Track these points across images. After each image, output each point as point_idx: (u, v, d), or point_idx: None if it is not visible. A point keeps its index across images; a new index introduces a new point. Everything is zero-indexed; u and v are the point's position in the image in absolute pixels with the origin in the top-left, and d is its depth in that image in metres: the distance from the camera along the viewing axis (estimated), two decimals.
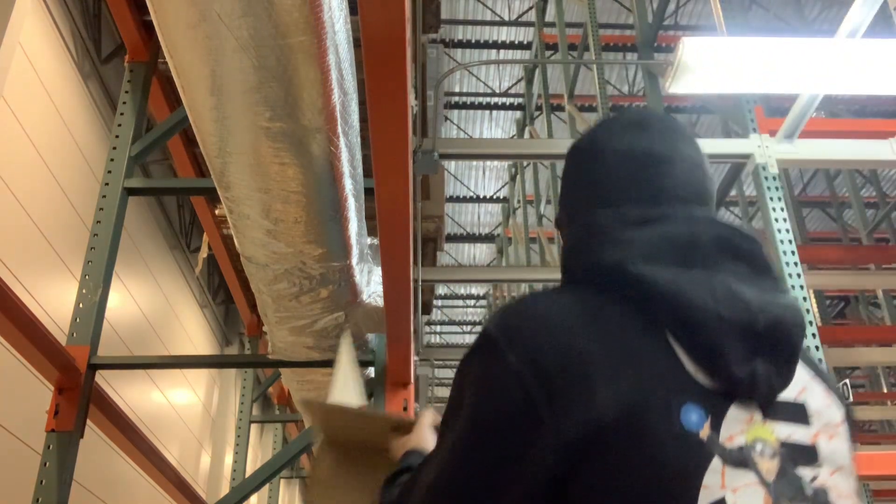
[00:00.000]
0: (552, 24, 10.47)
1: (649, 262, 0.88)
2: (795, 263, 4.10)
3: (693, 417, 0.79)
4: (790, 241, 4.17)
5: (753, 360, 0.84)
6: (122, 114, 3.90)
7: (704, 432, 0.79)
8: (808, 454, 0.85)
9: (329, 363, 3.89)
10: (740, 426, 0.82)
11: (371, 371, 4.19)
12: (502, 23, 11.66)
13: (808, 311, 3.99)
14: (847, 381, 3.79)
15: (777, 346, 0.86)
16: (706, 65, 3.78)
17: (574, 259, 0.97)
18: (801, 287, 4.04)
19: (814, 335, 3.91)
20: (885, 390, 11.54)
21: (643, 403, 0.78)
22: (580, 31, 9.64)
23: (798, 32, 9.77)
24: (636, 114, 1.10)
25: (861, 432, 12.52)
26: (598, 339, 0.82)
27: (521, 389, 0.80)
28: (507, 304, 0.91)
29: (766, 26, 10.68)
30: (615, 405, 0.77)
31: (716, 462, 0.78)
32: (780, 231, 4.19)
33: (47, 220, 5.14)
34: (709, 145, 5.00)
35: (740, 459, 0.80)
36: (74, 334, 3.41)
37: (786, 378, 0.87)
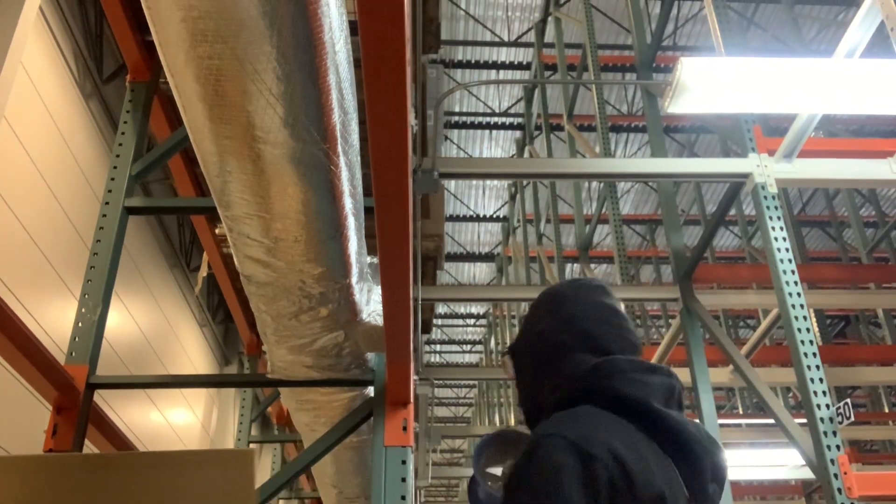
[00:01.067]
0: (551, 45, 10.54)
1: (660, 403, 1.27)
2: (795, 283, 4.09)
3: None
4: (790, 261, 4.17)
5: (713, 483, 1.27)
6: (123, 133, 3.92)
7: None
8: None
9: (328, 383, 3.87)
10: None
11: (370, 390, 4.18)
12: (502, 43, 11.73)
13: (808, 329, 3.98)
14: (848, 400, 3.78)
15: (719, 476, 1.28)
16: (705, 85, 3.79)
17: (593, 388, 1.30)
18: (802, 306, 4.03)
19: (815, 354, 3.90)
20: (887, 410, 11.50)
21: (671, 494, 1.17)
22: (579, 51, 9.70)
23: (796, 53, 9.83)
24: (592, 280, 1.55)
25: (863, 452, 12.46)
26: (640, 446, 1.19)
27: (606, 474, 1.12)
28: (564, 418, 1.25)
29: (765, 47, 10.75)
30: (662, 488, 1.15)
31: None
32: (779, 250, 4.19)
33: (47, 240, 5.15)
34: (708, 165, 5.02)
35: None
36: (73, 353, 3.40)
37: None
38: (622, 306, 1.50)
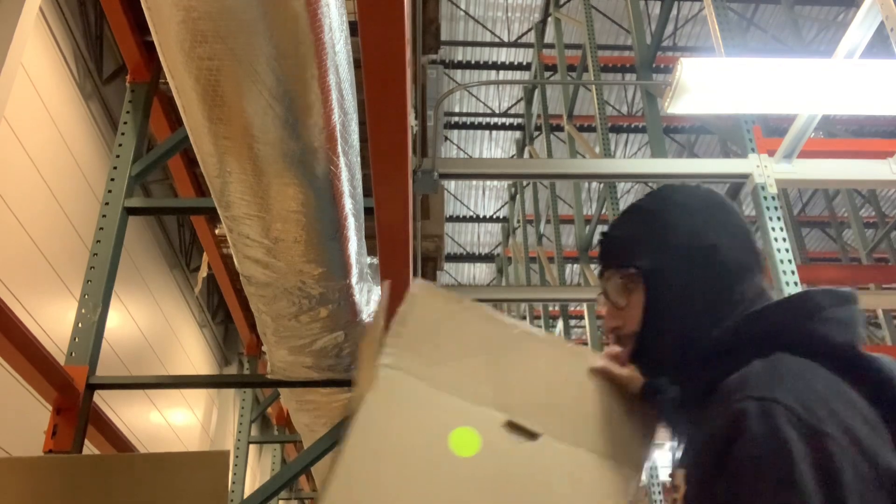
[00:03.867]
0: (551, 46, 10.54)
1: (861, 344, 1.02)
2: (795, 283, 4.09)
3: None
4: (790, 261, 4.17)
5: None
6: (122, 134, 3.92)
7: None
8: None
9: (328, 383, 3.87)
10: None
11: None
12: (502, 44, 11.73)
13: None
14: None
15: None
16: (704, 85, 3.79)
17: (785, 330, 1.02)
18: None
19: None
20: None
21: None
22: (579, 52, 9.70)
23: (796, 53, 9.83)
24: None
25: None
26: (862, 409, 0.92)
27: (845, 458, 0.86)
28: (772, 375, 0.94)
29: (764, 47, 10.75)
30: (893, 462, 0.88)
31: None
32: (779, 251, 4.19)
33: (47, 240, 5.15)
34: (708, 165, 5.02)
35: None
36: (73, 354, 3.40)
37: None
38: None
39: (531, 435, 1.09)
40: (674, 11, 10.29)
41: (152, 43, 2.41)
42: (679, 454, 1.09)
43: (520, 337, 1.19)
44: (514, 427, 1.09)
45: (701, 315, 1.09)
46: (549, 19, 10.74)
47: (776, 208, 4.36)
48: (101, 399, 3.56)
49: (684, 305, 1.11)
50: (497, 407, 1.10)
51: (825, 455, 0.84)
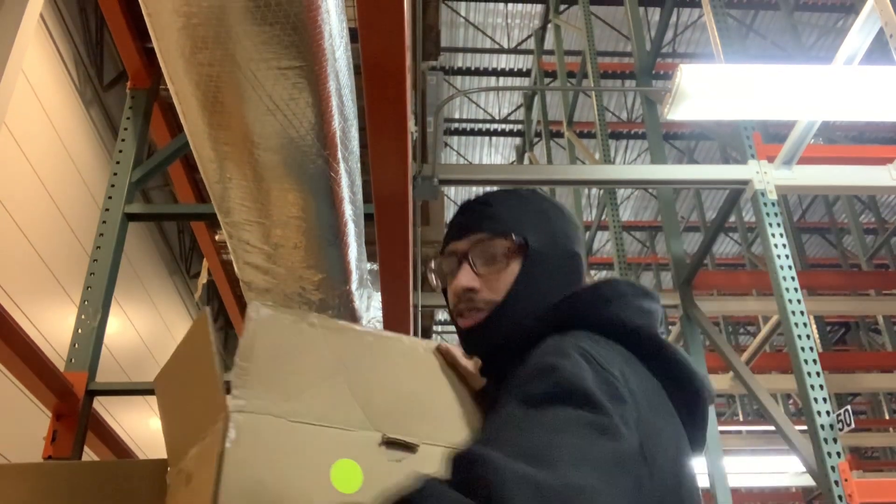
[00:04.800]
0: (551, 52, 10.56)
1: (660, 333, 1.07)
2: (795, 289, 4.09)
3: (694, 469, 1.00)
4: (790, 267, 4.17)
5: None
6: (123, 140, 3.92)
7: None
8: None
9: None
10: None
11: None
12: (501, 51, 11.75)
13: (808, 336, 3.98)
14: (848, 407, 3.77)
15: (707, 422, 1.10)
16: (704, 91, 3.80)
17: (589, 313, 1.06)
18: (802, 313, 4.03)
19: (815, 361, 3.89)
20: (887, 416, 11.49)
21: (682, 445, 0.99)
22: (579, 58, 9.71)
23: (795, 60, 9.84)
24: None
25: (863, 459, 12.44)
26: (653, 385, 1.00)
27: (628, 395, 0.90)
28: (568, 340, 0.98)
29: (764, 54, 10.76)
30: (673, 438, 0.96)
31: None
32: (779, 257, 4.19)
33: (48, 246, 5.14)
34: (707, 171, 5.02)
35: None
36: (73, 360, 3.39)
37: None
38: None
39: (409, 448, 1.04)
40: (673, 18, 10.31)
41: (153, 49, 2.42)
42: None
43: (373, 344, 1.12)
44: (391, 444, 1.03)
45: (545, 297, 1.13)
46: (549, 26, 10.76)
47: (776, 214, 4.36)
48: (101, 405, 3.56)
49: (548, 291, 1.14)
50: (368, 427, 1.03)
51: (609, 384, 0.89)
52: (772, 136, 7.48)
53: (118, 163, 3.85)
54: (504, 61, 12.03)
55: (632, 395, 0.90)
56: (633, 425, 0.86)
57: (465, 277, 1.15)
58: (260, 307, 1.04)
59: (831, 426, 3.71)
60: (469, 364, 1.18)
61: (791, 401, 11.88)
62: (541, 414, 0.83)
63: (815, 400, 3.77)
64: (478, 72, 12.06)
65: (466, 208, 1.23)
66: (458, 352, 1.18)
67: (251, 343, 1.01)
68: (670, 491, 0.90)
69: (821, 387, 3.82)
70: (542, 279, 1.14)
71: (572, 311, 1.07)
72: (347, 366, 1.06)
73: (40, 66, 5.02)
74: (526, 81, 12.14)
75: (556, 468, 0.75)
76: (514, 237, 1.15)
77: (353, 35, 1.96)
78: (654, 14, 10.28)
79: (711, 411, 5.33)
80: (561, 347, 0.94)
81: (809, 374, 3.85)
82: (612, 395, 0.86)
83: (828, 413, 3.75)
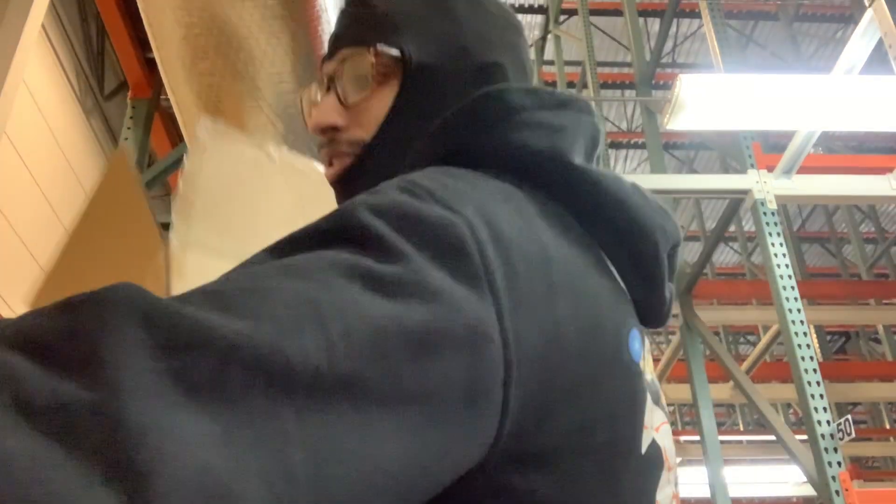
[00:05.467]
0: (551, 63, 10.58)
1: (581, 158, 0.66)
2: (796, 299, 4.09)
3: (636, 345, 0.61)
4: (790, 277, 4.17)
5: (668, 284, 0.70)
6: None
7: (642, 363, 0.62)
8: (657, 392, 0.69)
9: None
10: (647, 357, 0.66)
11: None
12: None
13: (808, 346, 3.97)
14: (849, 416, 3.77)
15: (672, 271, 0.71)
16: (703, 101, 3.81)
17: (472, 134, 0.67)
18: (802, 322, 4.03)
19: (815, 370, 3.89)
20: (888, 426, 11.47)
21: (598, 323, 0.57)
22: (579, 69, 9.74)
23: (794, 70, 9.87)
24: None
25: (864, 469, 12.42)
26: (546, 236, 0.58)
27: (475, 245, 0.50)
28: (393, 182, 0.56)
29: (764, 64, 10.79)
30: (573, 322, 0.54)
31: (647, 397, 0.62)
32: (779, 266, 4.20)
33: (47, 256, 5.15)
34: (707, 181, 5.03)
35: (655, 395, 0.66)
36: None
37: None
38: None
39: None
40: (673, 29, 10.34)
41: (153, 59, 2.43)
42: None
43: (281, 170, 0.93)
44: None
45: (430, 117, 0.72)
46: (549, 36, 10.79)
47: (776, 224, 4.37)
48: None
49: (436, 116, 0.71)
50: None
51: (432, 223, 0.50)
52: (771, 146, 7.49)
53: None
54: None
55: (504, 254, 0.51)
56: (487, 301, 0.47)
57: (325, 111, 0.81)
58: (210, 125, 0.84)
59: (832, 436, 3.70)
60: None
61: (791, 410, 11.86)
62: (282, 260, 0.46)
63: (816, 409, 3.77)
64: None
65: (342, 11, 0.86)
66: None
67: (198, 168, 0.82)
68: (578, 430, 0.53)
69: (821, 396, 3.81)
70: (427, 104, 0.76)
71: (441, 139, 0.68)
72: (307, 213, 0.86)
73: (41, 76, 5.04)
74: None
75: (260, 319, 0.39)
76: (383, 48, 0.78)
77: None
78: (654, 24, 10.31)
79: (708, 407, 5.32)
80: (381, 186, 0.55)
81: (810, 383, 3.84)
82: (437, 243, 0.48)
83: (828, 422, 3.74)
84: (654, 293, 0.67)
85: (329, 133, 0.80)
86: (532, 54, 10.94)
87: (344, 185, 0.80)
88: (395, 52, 0.78)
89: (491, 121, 0.67)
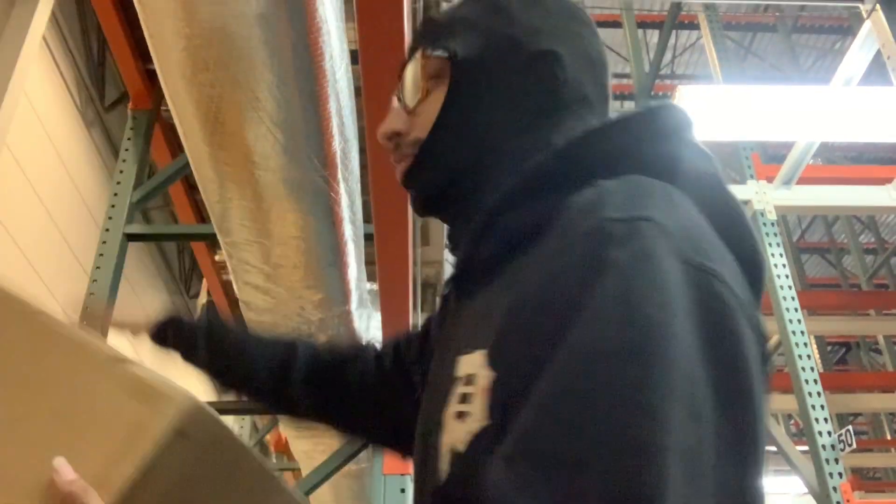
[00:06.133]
0: None
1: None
2: (796, 309, 4.09)
3: None
4: (790, 287, 4.17)
5: None
6: (124, 160, 3.93)
7: None
8: None
9: None
10: None
11: None
12: None
13: (809, 356, 3.97)
14: (850, 427, 3.76)
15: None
16: (702, 112, 3.82)
17: (639, 145, 0.70)
18: (802, 333, 4.02)
19: (816, 381, 3.88)
20: (889, 437, 11.43)
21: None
22: None
23: (793, 82, 9.89)
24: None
25: (865, 480, 12.37)
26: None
27: (738, 306, 0.59)
28: (635, 192, 0.63)
29: (762, 75, 10.82)
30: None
31: None
32: (779, 276, 4.20)
33: (47, 267, 5.14)
34: None
35: None
36: None
37: None
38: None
39: None
40: (672, 40, 10.37)
41: (154, 71, 2.43)
42: (466, 331, 0.73)
43: None
44: None
45: (513, 134, 0.79)
46: None
47: (775, 234, 4.37)
48: None
49: (493, 113, 0.80)
50: None
51: (716, 301, 0.57)
52: (771, 157, 7.50)
53: (119, 183, 3.86)
54: None
55: (732, 275, 0.61)
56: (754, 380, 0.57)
57: (388, 120, 0.87)
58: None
59: (833, 447, 3.69)
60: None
61: (792, 421, 11.82)
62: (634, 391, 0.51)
63: (817, 420, 3.76)
64: None
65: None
66: None
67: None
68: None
69: (822, 407, 3.80)
70: (475, 96, 0.80)
71: (609, 149, 0.70)
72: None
73: (42, 87, 5.05)
74: None
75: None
76: (430, 51, 0.83)
77: (355, 57, 1.97)
78: (653, 36, 10.34)
79: None
80: (631, 231, 0.58)
81: (810, 394, 3.84)
82: (712, 334, 0.56)
83: (829, 433, 3.73)
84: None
85: (394, 139, 0.86)
86: None
87: (407, 184, 0.85)
88: (440, 52, 0.82)
89: (664, 134, 0.71)
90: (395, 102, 0.89)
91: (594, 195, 0.63)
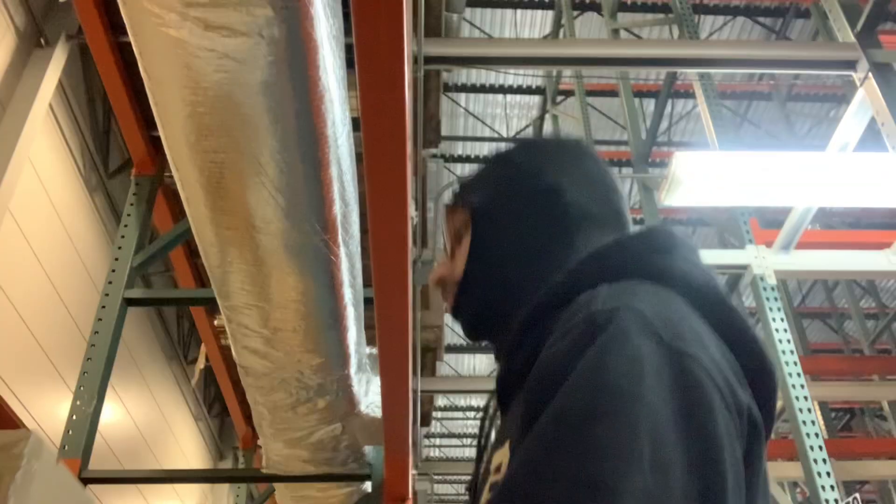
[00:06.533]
0: None
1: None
2: (799, 374, 4.06)
3: None
4: (792, 352, 4.15)
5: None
6: (125, 225, 3.96)
7: None
8: None
9: (325, 477, 3.79)
10: None
11: (368, 485, 4.08)
12: (501, 139, 11.97)
13: (814, 422, 3.92)
14: (857, 495, 3.69)
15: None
16: (699, 178, 3.86)
17: (640, 265, 0.82)
18: (806, 398, 3.98)
19: (821, 448, 3.83)
20: None
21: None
22: None
23: (789, 148, 10.02)
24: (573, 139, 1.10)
25: None
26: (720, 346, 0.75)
27: (714, 385, 0.67)
28: (623, 291, 0.75)
29: (758, 142, 10.96)
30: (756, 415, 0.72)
31: None
32: (781, 341, 4.17)
33: (45, 331, 5.12)
34: (706, 256, 5.04)
35: None
36: (66, 447, 3.34)
37: None
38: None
39: None
40: (668, 109, 10.54)
41: (158, 138, 2.47)
42: (501, 432, 0.86)
43: None
44: None
45: (530, 261, 0.93)
46: (547, 116, 11.00)
47: (776, 299, 4.36)
48: (94, 493, 3.48)
49: (510, 248, 0.96)
50: None
51: (689, 378, 0.65)
52: (769, 222, 7.54)
53: (120, 248, 3.88)
54: None
55: (710, 357, 0.69)
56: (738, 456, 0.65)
57: (436, 268, 1.05)
58: None
59: None
60: None
61: (798, 489, 11.60)
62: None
63: (823, 488, 3.69)
64: (478, 159, 12.26)
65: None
66: None
67: None
68: None
69: (828, 474, 3.74)
70: (490, 237, 0.98)
71: (611, 265, 0.81)
72: None
73: (47, 154, 5.11)
74: None
75: None
76: (456, 208, 1.03)
77: (356, 124, 2.00)
78: (649, 105, 10.52)
79: None
80: (611, 317, 0.69)
81: (816, 461, 3.78)
82: (686, 411, 0.63)
83: (836, 501, 3.66)
84: (770, 425, 0.77)
85: (440, 283, 1.05)
86: (530, 133, 11.14)
87: (454, 317, 1.03)
88: (463, 207, 1.02)
89: (662, 249, 0.84)
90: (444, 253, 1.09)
91: (590, 295, 0.75)
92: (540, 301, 0.83)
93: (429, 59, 3.97)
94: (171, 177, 2.48)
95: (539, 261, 0.93)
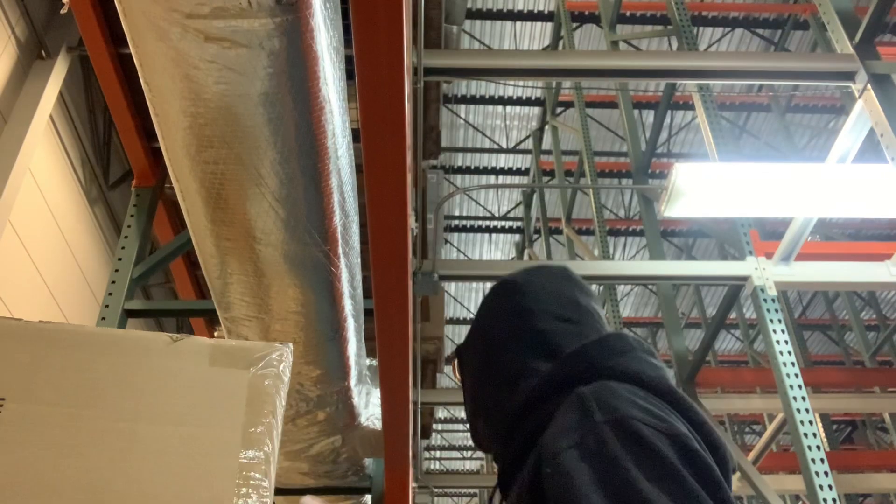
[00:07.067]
0: (549, 152, 10.78)
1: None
2: (800, 386, 4.04)
3: None
4: (793, 364, 4.13)
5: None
6: (126, 237, 3.95)
7: None
8: None
9: (324, 490, 3.77)
10: None
11: (368, 499, 4.06)
12: (501, 150, 11.99)
13: (815, 434, 3.91)
14: None
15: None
16: (699, 189, 3.86)
17: (599, 367, 1.02)
18: (808, 410, 3.97)
19: (823, 460, 3.81)
20: None
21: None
22: (576, 158, 9.90)
23: (788, 159, 10.03)
24: (552, 265, 1.31)
25: None
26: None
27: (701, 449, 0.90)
28: (608, 395, 0.94)
29: (758, 154, 10.98)
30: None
31: None
32: (782, 353, 4.16)
33: None
34: (706, 267, 5.04)
35: None
36: None
37: None
38: (588, 291, 1.23)
39: None
40: (667, 120, 10.57)
41: (159, 149, 2.47)
42: None
43: None
44: None
45: (518, 369, 1.12)
46: (546, 127, 11.03)
47: (776, 311, 4.36)
48: None
49: (494, 370, 1.16)
50: None
51: (679, 438, 0.88)
52: (769, 234, 7.55)
53: (120, 259, 3.87)
54: (503, 160, 12.26)
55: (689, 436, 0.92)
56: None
57: None
58: None
59: None
60: None
61: (800, 502, 11.55)
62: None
63: (825, 501, 3.67)
64: (477, 170, 12.28)
65: None
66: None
67: None
68: None
69: (830, 487, 3.72)
70: (474, 370, 1.20)
71: (581, 367, 1.03)
72: None
73: (47, 165, 5.12)
74: (525, 180, 12.35)
75: None
76: (453, 358, 1.29)
77: (356, 135, 2.00)
78: (649, 116, 10.55)
79: None
80: (619, 428, 0.89)
81: (818, 473, 3.76)
82: (696, 472, 0.86)
83: None
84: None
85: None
86: (530, 144, 11.13)
87: (475, 445, 1.23)
88: (454, 356, 1.26)
89: (619, 352, 1.04)
90: None
91: (575, 405, 0.94)
92: (524, 402, 1.05)
93: (428, 71, 3.98)
94: (172, 188, 2.48)
95: (526, 367, 1.12)
